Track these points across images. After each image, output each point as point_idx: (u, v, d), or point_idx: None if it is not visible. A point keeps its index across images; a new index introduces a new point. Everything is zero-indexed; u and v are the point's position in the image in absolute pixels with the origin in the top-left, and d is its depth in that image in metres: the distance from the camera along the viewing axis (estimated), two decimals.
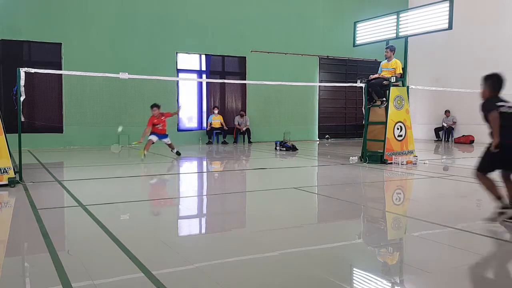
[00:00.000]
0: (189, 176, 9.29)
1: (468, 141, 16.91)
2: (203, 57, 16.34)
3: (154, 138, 10.81)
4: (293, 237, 4.24)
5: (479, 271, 3.33)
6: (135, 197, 6.43)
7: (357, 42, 11.19)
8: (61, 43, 14.05)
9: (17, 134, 7.28)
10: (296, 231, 4.46)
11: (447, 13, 9.00)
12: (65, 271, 3.14)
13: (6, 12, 13.34)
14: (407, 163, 9.61)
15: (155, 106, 10.79)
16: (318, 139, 18.41)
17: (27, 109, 12.36)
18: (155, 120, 10.78)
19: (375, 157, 9.90)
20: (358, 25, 11.07)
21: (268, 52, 17.19)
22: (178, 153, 11.06)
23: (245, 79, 16.31)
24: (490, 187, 4.55)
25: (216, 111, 16.21)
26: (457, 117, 17.95)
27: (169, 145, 11.10)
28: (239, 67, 17.09)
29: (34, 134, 13.20)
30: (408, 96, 10.15)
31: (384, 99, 9.97)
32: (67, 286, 2.90)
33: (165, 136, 11.02)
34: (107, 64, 13.73)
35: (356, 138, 18.45)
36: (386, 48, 10.07)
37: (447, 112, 18.06)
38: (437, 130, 18.46)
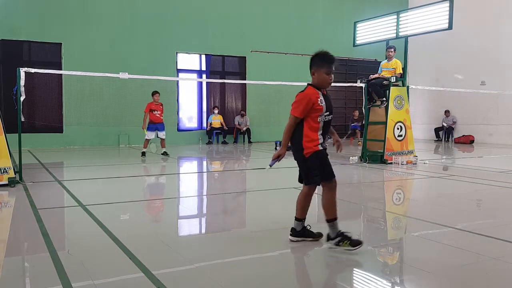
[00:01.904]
0: (189, 176, 9.29)
1: (468, 141, 16.92)
2: (203, 57, 16.34)
3: (150, 135, 11.03)
4: None
5: (479, 271, 3.33)
6: (135, 197, 6.43)
7: (357, 42, 11.18)
8: (61, 43, 14.06)
9: (17, 134, 7.28)
10: None
11: (447, 13, 8.99)
12: (65, 271, 3.14)
13: (6, 12, 13.34)
14: (407, 163, 9.61)
15: (157, 92, 11.19)
16: None
17: (27, 109, 12.37)
18: (153, 106, 11.01)
19: (375, 157, 9.91)
20: (358, 25, 11.07)
21: (268, 52, 17.19)
22: (166, 153, 11.18)
23: (245, 79, 16.31)
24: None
25: (216, 111, 16.21)
26: (457, 117, 17.95)
27: (162, 141, 11.15)
28: (239, 67, 17.09)
29: (34, 134, 13.21)
30: (408, 96, 10.14)
31: (384, 99, 9.97)
32: (67, 286, 2.89)
33: (162, 126, 11.09)
34: (107, 64, 13.73)
35: (356, 138, 18.43)
36: (390, 48, 10.02)
37: (447, 112, 18.06)
38: (437, 130, 18.46)
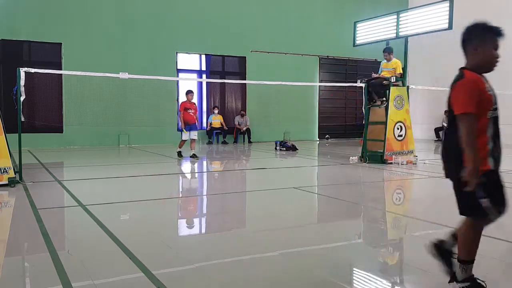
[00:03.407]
0: (189, 176, 9.29)
1: None
2: (203, 57, 16.34)
3: (185, 136, 10.87)
4: (293, 237, 4.23)
5: (479, 271, 3.33)
6: (135, 197, 6.42)
7: (357, 42, 11.18)
8: (61, 43, 14.06)
9: (17, 134, 7.29)
10: (296, 231, 4.46)
11: (447, 13, 9.01)
12: (65, 271, 3.14)
13: (6, 12, 13.34)
14: (407, 163, 9.61)
15: (192, 91, 11.08)
16: (318, 139, 18.41)
17: (27, 109, 12.36)
18: (188, 105, 10.86)
19: (375, 157, 9.90)
20: (358, 25, 11.06)
21: (268, 52, 17.19)
22: (195, 156, 10.86)
23: (245, 79, 16.31)
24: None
25: (216, 111, 16.22)
26: None
27: (193, 142, 10.94)
28: (239, 67, 17.09)
29: (34, 134, 13.20)
30: (408, 96, 10.15)
31: (384, 99, 9.97)
32: (67, 286, 2.89)
33: (195, 126, 10.94)
34: (107, 64, 13.73)
35: (357, 138, 18.44)
36: (384, 52, 10.20)
37: (447, 112, 18.05)
38: (437, 130, 18.46)
